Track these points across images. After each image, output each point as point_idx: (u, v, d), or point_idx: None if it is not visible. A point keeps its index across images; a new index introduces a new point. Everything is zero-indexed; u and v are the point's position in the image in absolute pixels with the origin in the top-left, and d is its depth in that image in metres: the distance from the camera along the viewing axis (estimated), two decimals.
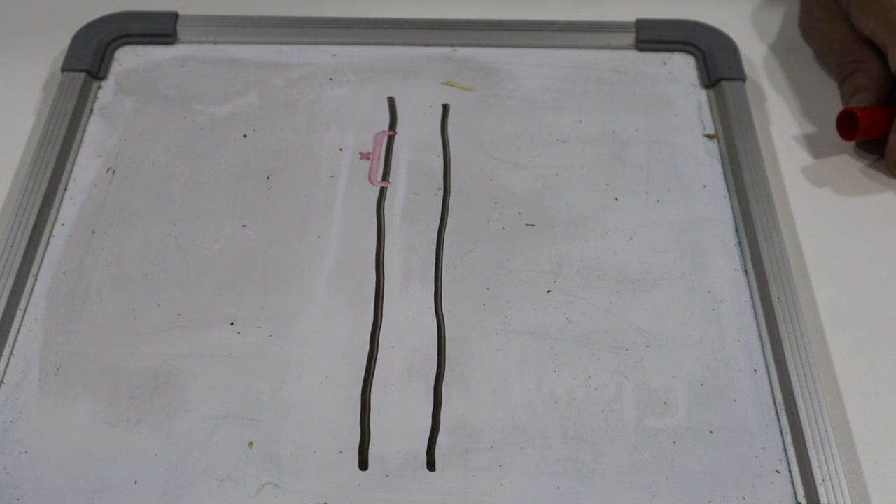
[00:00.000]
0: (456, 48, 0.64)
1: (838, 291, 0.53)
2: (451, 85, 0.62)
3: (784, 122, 0.62)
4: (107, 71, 0.63)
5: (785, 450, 0.47)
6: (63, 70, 0.62)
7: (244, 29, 0.65)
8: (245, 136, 0.59)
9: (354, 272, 0.53)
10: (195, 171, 0.58)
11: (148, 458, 0.46)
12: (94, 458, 0.46)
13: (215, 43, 0.64)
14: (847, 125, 0.58)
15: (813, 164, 0.60)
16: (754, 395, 0.48)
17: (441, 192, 0.57)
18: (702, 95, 0.62)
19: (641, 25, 0.65)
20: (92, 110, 0.61)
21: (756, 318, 0.51)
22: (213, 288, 0.52)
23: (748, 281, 0.53)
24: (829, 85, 0.64)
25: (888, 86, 0.59)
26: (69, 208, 0.56)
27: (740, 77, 0.62)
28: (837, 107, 0.60)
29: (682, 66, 0.64)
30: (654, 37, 0.65)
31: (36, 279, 0.53)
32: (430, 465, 0.46)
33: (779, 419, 0.48)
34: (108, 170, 0.58)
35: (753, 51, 0.65)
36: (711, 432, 0.47)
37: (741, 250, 0.54)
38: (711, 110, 0.61)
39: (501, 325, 0.51)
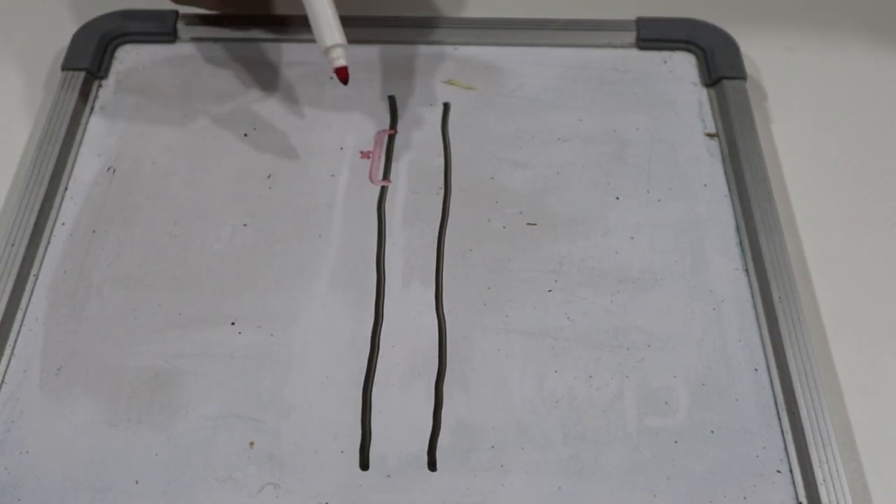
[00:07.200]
0: (457, 47, 0.64)
1: (839, 291, 0.53)
2: (452, 84, 0.62)
3: (785, 120, 0.62)
4: (107, 70, 0.63)
5: (786, 449, 0.47)
6: (63, 69, 0.62)
7: (245, 27, 0.65)
8: (245, 134, 0.59)
9: (355, 271, 0.53)
10: (196, 170, 0.57)
11: (149, 457, 0.46)
12: (94, 458, 0.46)
13: (216, 41, 0.64)
14: None
15: (814, 162, 0.60)
16: (755, 395, 0.48)
17: (442, 192, 0.57)
18: (703, 94, 0.62)
19: (642, 24, 0.65)
20: (92, 109, 0.61)
21: (757, 318, 0.51)
22: (213, 287, 0.52)
23: (749, 280, 0.53)
24: (830, 83, 0.64)
25: None
26: (70, 207, 0.56)
27: (741, 76, 0.62)
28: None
29: (683, 65, 0.64)
30: (654, 35, 0.64)
31: (36, 279, 0.53)
32: (432, 465, 0.46)
33: (780, 419, 0.48)
34: (109, 169, 0.58)
35: (754, 49, 0.65)
36: (712, 432, 0.47)
37: (742, 250, 0.54)
38: (712, 109, 0.61)
39: (502, 325, 0.51)
